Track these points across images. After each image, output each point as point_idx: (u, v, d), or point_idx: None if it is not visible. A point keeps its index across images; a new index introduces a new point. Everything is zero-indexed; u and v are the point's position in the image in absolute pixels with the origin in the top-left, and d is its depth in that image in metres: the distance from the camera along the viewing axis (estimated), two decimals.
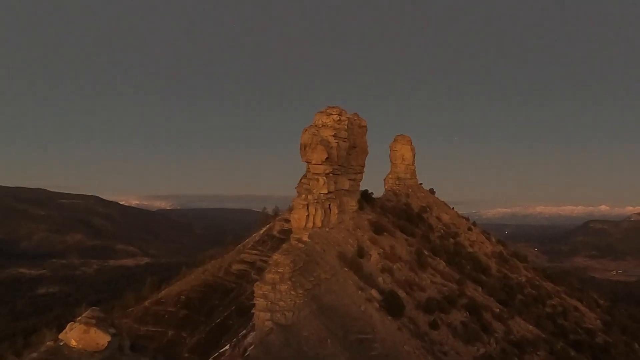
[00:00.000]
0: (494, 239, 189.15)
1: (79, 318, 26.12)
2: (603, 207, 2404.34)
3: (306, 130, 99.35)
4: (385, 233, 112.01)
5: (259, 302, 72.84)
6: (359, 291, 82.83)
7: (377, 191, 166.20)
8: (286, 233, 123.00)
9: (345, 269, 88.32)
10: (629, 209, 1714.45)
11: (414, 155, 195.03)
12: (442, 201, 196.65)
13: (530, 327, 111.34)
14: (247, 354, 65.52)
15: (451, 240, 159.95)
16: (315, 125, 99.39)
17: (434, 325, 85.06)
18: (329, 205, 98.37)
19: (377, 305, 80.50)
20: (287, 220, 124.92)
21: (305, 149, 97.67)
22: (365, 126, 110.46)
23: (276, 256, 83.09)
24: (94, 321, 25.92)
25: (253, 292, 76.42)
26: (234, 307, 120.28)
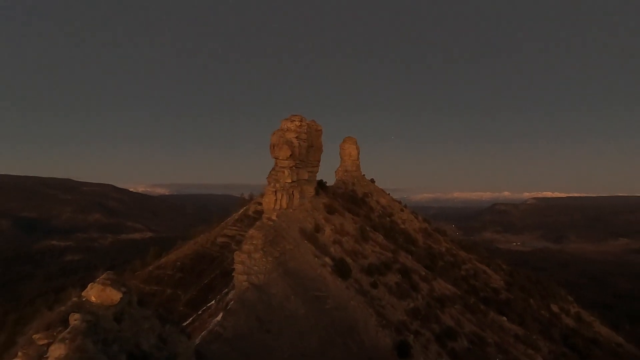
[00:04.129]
0: (420, 218, 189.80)
1: (98, 279, 26.36)
2: (506, 193, 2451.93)
3: (275, 133, 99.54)
4: (336, 213, 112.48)
5: (238, 267, 73.30)
6: (316, 258, 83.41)
7: (330, 181, 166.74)
8: (259, 213, 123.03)
9: (305, 241, 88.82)
10: (526, 195, 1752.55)
11: (358, 153, 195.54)
12: (381, 188, 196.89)
13: (449, 286, 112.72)
14: (228, 307, 65.82)
15: (387, 219, 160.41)
16: (282, 129, 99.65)
17: (374, 285, 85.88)
18: (292, 191, 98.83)
19: (330, 270, 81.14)
20: (260, 203, 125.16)
21: (274, 147, 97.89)
22: (320, 130, 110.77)
23: (251, 231, 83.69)
24: (109, 282, 26.19)
25: (233, 259, 76.83)
26: (218, 271, 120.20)
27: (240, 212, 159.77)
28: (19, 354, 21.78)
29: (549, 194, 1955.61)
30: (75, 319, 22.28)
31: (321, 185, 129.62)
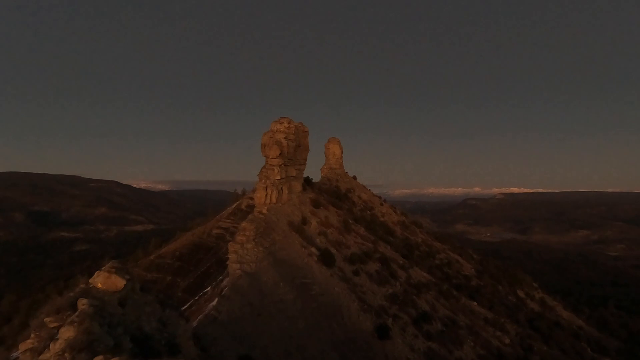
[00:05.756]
0: (398, 212, 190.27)
1: (103, 267, 26.50)
2: (476, 189, 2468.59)
3: (265, 134, 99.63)
4: (321, 207, 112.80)
5: (232, 256, 73.48)
6: (303, 248, 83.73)
7: (316, 177, 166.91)
8: (251, 207, 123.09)
9: (293, 232, 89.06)
10: (495, 190, 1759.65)
11: (341, 152, 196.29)
12: (362, 184, 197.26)
13: (425, 274, 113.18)
14: (223, 293, 65.92)
15: (368, 212, 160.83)
16: (272, 130, 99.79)
17: (356, 273, 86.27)
18: (282, 187, 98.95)
19: (316, 259, 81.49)
20: (252, 198, 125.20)
21: (264, 147, 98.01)
22: (307, 131, 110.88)
23: (244, 224, 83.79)
24: (114, 270, 26.33)
25: (228, 249, 77.00)
26: (214, 260, 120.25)
27: (233, 206, 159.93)
28: (32, 335, 21.98)
29: (515, 190, 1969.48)
30: (83, 304, 22.49)
31: (308, 181, 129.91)
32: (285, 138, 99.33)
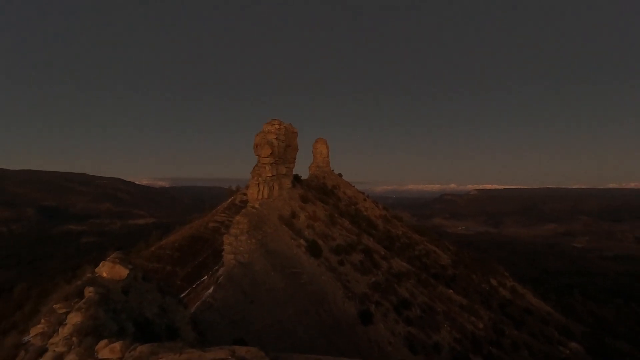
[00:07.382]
0: (380, 206, 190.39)
1: (108, 258, 26.75)
2: (452, 185, 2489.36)
3: (258, 134, 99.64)
4: (309, 202, 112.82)
5: (227, 247, 73.64)
6: (292, 240, 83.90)
7: (304, 175, 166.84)
8: (244, 202, 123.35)
9: (283, 225, 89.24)
10: (470, 187, 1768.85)
11: (328, 151, 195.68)
12: (347, 181, 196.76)
13: (405, 264, 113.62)
14: (219, 281, 66.12)
15: (353, 207, 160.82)
16: (264, 131, 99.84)
17: (341, 263, 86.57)
18: (273, 184, 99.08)
19: (304, 250, 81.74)
20: (245, 194, 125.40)
21: (257, 147, 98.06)
22: (296, 132, 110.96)
23: (238, 217, 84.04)
24: (118, 260, 26.56)
25: (223, 241, 77.17)
26: (210, 251, 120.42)
27: (228, 201, 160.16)
28: (42, 321, 22.21)
29: (489, 186, 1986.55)
30: (89, 292, 22.75)
31: (297, 178, 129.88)
32: (276, 138, 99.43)
